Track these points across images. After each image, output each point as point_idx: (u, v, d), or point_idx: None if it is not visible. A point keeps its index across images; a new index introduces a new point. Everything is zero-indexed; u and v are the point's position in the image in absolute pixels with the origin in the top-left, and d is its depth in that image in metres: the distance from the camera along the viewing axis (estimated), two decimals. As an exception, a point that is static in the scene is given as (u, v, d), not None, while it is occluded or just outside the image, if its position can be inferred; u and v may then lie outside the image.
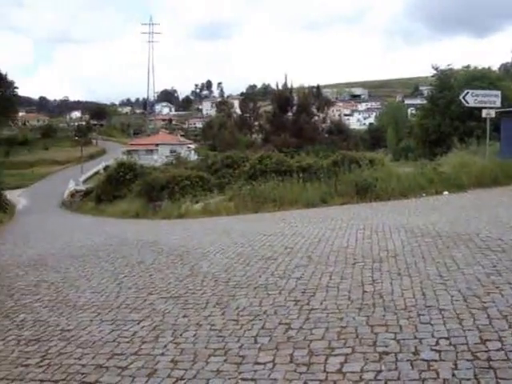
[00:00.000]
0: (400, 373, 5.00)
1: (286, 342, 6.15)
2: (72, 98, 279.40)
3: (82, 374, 6.06)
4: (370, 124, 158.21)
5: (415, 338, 5.79)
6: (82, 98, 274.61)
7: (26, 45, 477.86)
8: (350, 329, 6.30)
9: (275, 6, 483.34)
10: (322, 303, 7.41)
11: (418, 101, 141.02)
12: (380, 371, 5.08)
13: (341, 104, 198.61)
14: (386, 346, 5.63)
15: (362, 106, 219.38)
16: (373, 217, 16.65)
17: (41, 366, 6.49)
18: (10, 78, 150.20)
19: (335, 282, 8.50)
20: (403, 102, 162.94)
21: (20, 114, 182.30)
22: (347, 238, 12.58)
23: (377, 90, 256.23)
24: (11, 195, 63.33)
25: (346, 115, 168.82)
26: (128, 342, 6.88)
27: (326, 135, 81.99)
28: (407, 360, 5.25)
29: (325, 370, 5.25)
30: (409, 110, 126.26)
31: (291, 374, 5.26)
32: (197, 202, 28.69)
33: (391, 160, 49.53)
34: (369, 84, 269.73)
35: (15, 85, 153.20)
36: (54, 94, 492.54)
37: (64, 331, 7.72)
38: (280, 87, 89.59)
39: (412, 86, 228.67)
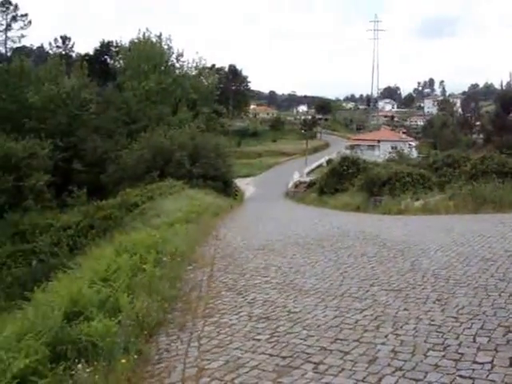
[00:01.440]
0: None
1: (505, 344, 6.17)
2: (299, 93, 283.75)
3: (307, 353, 6.56)
4: None
5: None
6: (309, 93, 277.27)
7: (259, 40, 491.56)
8: None
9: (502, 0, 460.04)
10: (544, 311, 7.25)
11: None
12: None
13: None
14: None
15: None
16: None
17: (270, 342, 7.11)
18: (244, 73, 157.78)
19: (561, 291, 8.22)
20: None
21: (251, 106, 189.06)
22: None
23: None
24: (240, 183, 66.20)
25: None
26: (350, 329, 7.27)
27: (554, 136, 77.77)
28: None
29: (548, 379, 5.17)
30: None
31: (511, 378, 5.29)
32: (417, 200, 28.42)
33: None
34: None
35: (248, 80, 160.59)
36: (283, 89, 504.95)
37: (291, 313, 8.29)
38: (504, 87, 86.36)
39: None
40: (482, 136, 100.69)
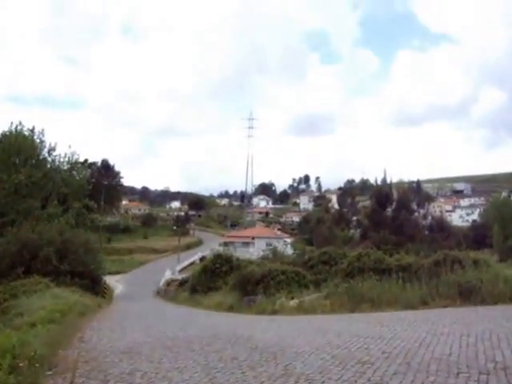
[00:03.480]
0: None
1: None
2: (172, 189, 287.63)
3: None
4: (474, 221, 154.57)
5: None
6: (182, 189, 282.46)
7: (133, 137, 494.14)
8: None
9: (374, 101, 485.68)
10: (420, 415, 6.93)
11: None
12: None
13: (442, 200, 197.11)
14: None
15: (464, 202, 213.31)
16: (478, 322, 15.73)
17: None
18: (116, 168, 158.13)
19: (437, 393, 7.95)
20: (510, 197, 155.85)
21: (123, 202, 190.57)
22: (450, 344, 11.86)
23: (480, 184, 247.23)
24: (110, 280, 65.06)
25: (447, 211, 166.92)
26: None
27: (427, 232, 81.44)
28: None
29: None
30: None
31: None
32: (292, 298, 28.35)
33: (498, 260, 47.93)
34: (472, 179, 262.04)
35: (121, 175, 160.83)
36: (156, 184, 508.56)
37: (156, 423, 7.56)
38: (379, 182, 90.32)
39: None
40: (359, 231, 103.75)
